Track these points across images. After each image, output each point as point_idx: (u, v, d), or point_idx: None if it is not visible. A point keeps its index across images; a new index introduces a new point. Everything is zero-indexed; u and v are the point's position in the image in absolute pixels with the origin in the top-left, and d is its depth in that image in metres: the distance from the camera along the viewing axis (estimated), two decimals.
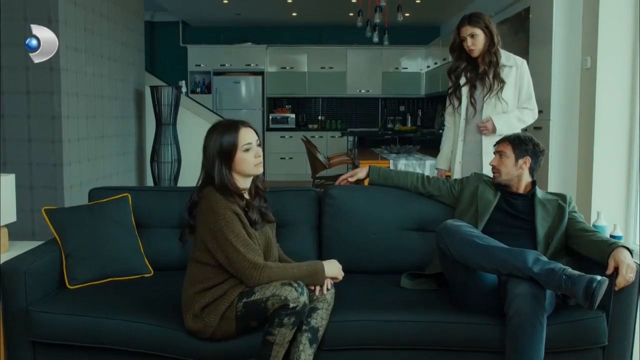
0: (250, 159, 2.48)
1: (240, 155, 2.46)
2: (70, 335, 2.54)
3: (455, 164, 3.59)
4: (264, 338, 2.31)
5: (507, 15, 7.34)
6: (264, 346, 2.31)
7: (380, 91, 11.17)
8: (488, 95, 3.44)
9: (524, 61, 3.52)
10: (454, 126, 3.64)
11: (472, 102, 3.51)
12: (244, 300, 2.34)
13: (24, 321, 2.57)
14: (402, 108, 11.28)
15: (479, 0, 8.66)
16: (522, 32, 6.59)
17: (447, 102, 3.66)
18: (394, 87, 11.08)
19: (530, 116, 3.49)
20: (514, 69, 3.46)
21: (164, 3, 9.30)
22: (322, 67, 11.09)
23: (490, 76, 3.43)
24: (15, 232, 3.29)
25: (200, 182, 2.51)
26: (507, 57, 3.49)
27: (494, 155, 2.94)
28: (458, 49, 3.52)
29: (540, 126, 4.78)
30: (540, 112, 4.75)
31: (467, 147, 3.54)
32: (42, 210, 2.93)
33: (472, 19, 3.42)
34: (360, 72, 11.08)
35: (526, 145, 2.84)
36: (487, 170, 3.35)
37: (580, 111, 4.50)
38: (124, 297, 2.70)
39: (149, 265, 3.01)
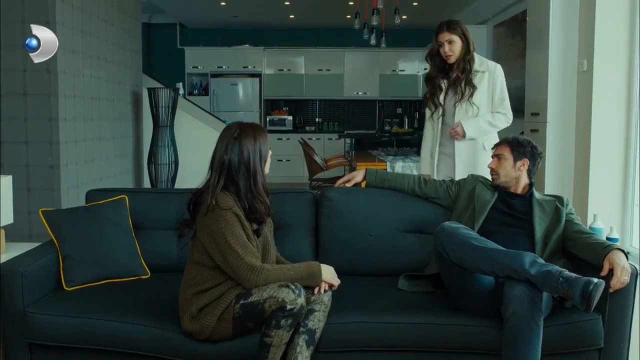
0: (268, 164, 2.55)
1: (268, 160, 2.53)
2: (67, 337, 2.54)
3: (434, 165, 3.67)
4: (261, 340, 2.32)
5: (504, 18, 7.38)
6: (261, 348, 2.32)
7: (377, 93, 11.18)
8: (459, 101, 3.51)
9: (498, 66, 3.58)
10: (433, 130, 3.71)
11: (444, 107, 3.60)
12: (241, 302, 2.34)
13: (20, 323, 2.57)
14: (399, 110, 11.29)
15: (475, 3, 8.69)
16: (519, 35, 6.61)
17: (427, 109, 3.73)
18: (391, 90, 11.10)
19: (502, 120, 3.53)
20: (487, 74, 3.52)
21: (162, 5, 9.30)
22: (319, 69, 11.10)
23: (462, 83, 3.50)
24: (12, 233, 3.29)
25: (217, 185, 2.42)
26: (480, 63, 3.55)
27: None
28: (436, 55, 3.58)
29: (537, 129, 4.79)
30: (536, 114, 4.82)
31: (442, 149, 3.64)
32: (39, 211, 2.93)
33: (450, 26, 3.48)
34: (357, 74, 11.10)
35: (524, 147, 2.86)
36: (460, 172, 3.48)
37: (577, 114, 4.52)
38: (121, 298, 2.70)
39: (146, 267, 3.01)
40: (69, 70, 4.61)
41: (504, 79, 3.56)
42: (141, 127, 6.63)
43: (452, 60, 3.51)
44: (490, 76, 3.52)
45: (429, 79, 3.66)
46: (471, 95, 3.48)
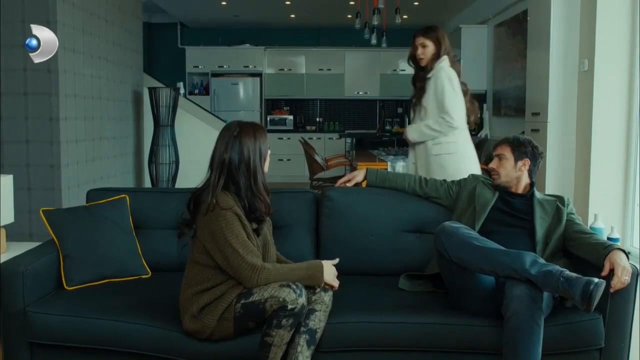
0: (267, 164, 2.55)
1: (268, 159, 2.54)
2: (68, 336, 2.54)
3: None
4: (262, 339, 2.32)
5: (504, 18, 7.38)
6: (262, 347, 2.32)
7: (378, 93, 11.18)
8: (415, 103, 3.72)
9: (443, 70, 3.58)
10: None
11: (414, 109, 3.79)
12: (242, 302, 2.34)
13: (21, 322, 2.57)
14: (399, 110, 11.29)
15: (476, 3, 8.69)
16: (520, 34, 6.61)
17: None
18: (392, 89, 11.09)
19: (443, 124, 3.56)
20: (432, 80, 3.61)
21: (162, 5, 9.30)
22: (320, 69, 11.10)
23: (418, 84, 3.68)
24: (12, 233, 3.29)
25: (217, 184, 2.41)
26: (434, 69, 3.61)
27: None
28: (414, 59, 3.73)
29: (537, 128, 4.79)
30: (537, 114, 4.82)
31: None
32: (40, 211, 2.93)
33: (427, 31, 3.64)
34: (358, 74, 11.10)
35: (525, 147, 2.86)
36: (420, 174, 3.64)
37: (578, 114, 4.51)
38: (122, 298, 2.70)
39: (147, 267, 3.01)
40: (70, 70, 4.61)
41: (448, 83, 3.54)
42: (142, 127, 6.63)
43: (423, 63, 3.66)
44: (433, 82, 3.60)
45: (412, 81, 3.82)
46: (419, 98, 3.64)
